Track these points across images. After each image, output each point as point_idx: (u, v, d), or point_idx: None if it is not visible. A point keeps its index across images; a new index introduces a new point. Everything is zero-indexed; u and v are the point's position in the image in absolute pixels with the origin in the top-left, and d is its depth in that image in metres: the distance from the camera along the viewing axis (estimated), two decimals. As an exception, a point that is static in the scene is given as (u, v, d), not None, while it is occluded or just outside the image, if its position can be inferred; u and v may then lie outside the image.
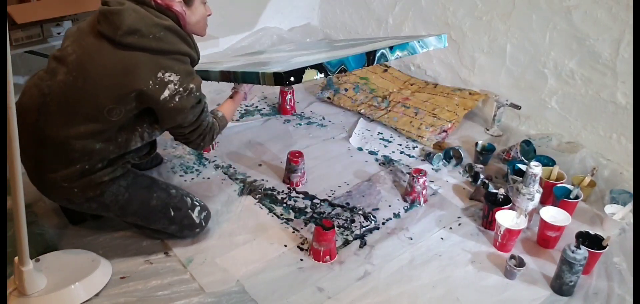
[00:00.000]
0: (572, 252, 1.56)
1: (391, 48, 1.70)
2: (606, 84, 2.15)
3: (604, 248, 1.66)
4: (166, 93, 1.47)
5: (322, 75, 1.55)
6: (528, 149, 2.22)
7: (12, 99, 1.21)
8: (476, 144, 2.26)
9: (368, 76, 2.87)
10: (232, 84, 1.93)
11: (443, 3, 2.68)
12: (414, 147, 2.37)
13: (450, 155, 2.26)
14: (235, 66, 1.95)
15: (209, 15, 1.67)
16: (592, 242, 1.68)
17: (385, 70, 2.95)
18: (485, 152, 2.23)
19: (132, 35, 1.43)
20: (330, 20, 3.40)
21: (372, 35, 3.15)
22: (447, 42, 1.87)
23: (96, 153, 1.50)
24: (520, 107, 2.44)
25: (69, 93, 1.47)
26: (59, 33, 2.28)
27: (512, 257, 1.67)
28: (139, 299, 1.53)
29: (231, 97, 1.89)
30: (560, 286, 1.61)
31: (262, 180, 2.09)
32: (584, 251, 1.57)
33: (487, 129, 2.52)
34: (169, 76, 1.47)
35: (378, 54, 1.66)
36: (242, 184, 2.06)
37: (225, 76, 1.83)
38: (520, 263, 1.66)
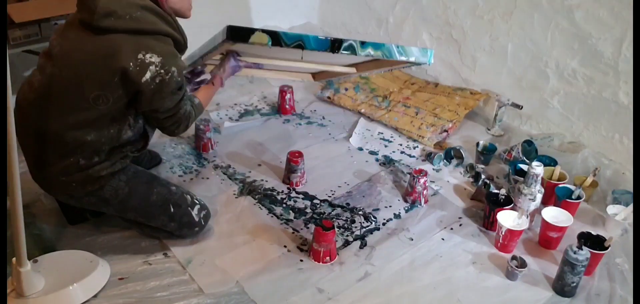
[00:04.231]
0: (574, 253, 1.55)
1: (363, 43, 1.62)
2: (608, 83, 2.14)
3: (606, 248, 1.65)
4: (147, 75, 1.46)
5: (274, 42, 1.54)
6: (530, 149, 2.21)
7: (10, 99, 1.21)
8: (477, 144, 2.25)
9: (368, 76, 2.86)
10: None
11: (444, 2, 2.66)
12: (414, 147, 2.36)
13: (451, 155, 2.25)
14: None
15: None
16: (594, 243, 1.67)
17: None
18: (486, 152, 2.22)
19: (108, 17, 1.43)
20: (330, 19, 3.39)
21: (372, 33, 3.14)
22: (433, 58, 1.75)
23: (89, 145, 1.51)
24: (522, 106, 2.43)
25: (56, 85, 1.48)
26: (57, 32, 2.27)
27: (514, 258, 1.66)
28: (138, 300, 1.52)
29: (208, 83, 1.87)
30: (562, 287, 1.60)
31: (262, 180, 2.08)
32: (586, 252, 1.56)
33: (489, 129, 2.51)
34: (150, 57, 1.45)
35: (346, 43, 1.59)
36: (241, 184, 2.05)
37: (207, 57, 1.81)
38: (522, 264, 1.65)
